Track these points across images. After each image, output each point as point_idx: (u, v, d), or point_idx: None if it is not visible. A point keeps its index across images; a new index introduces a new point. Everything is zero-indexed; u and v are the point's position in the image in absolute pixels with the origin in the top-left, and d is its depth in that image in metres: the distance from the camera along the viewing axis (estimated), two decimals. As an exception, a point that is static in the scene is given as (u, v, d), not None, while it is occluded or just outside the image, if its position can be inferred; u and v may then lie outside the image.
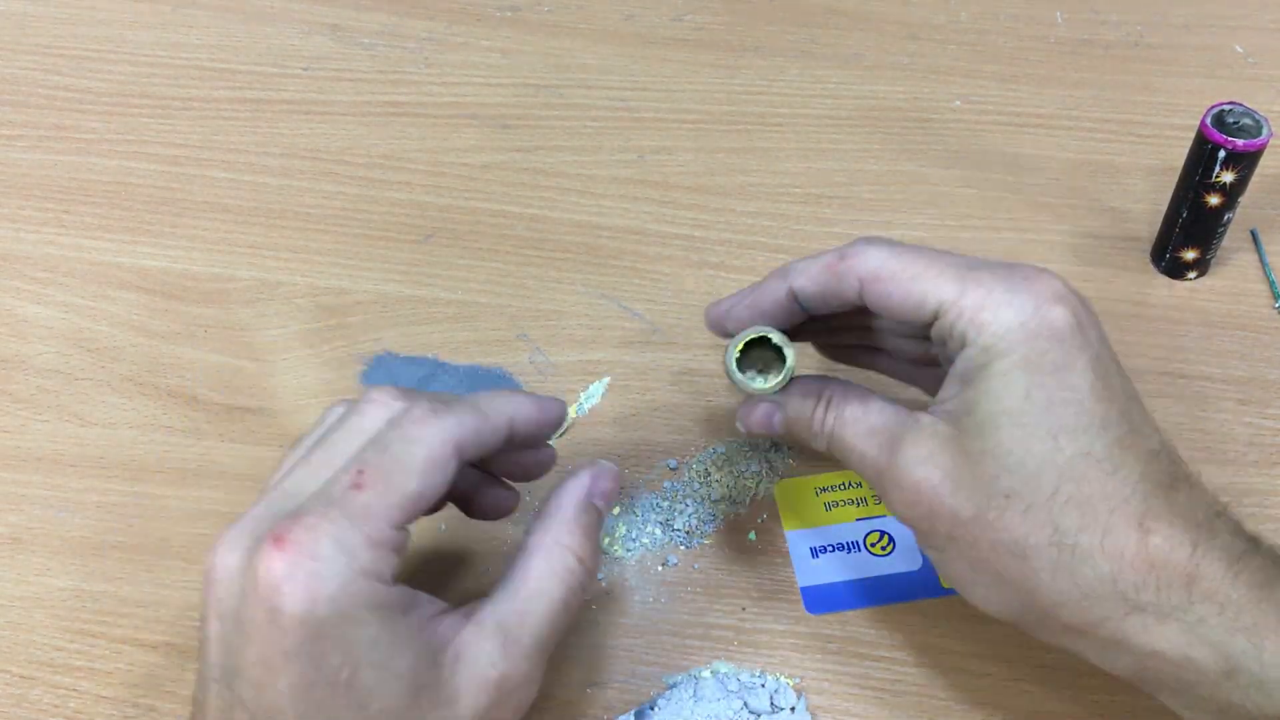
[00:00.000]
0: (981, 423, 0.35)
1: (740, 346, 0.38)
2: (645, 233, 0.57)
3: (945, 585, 0.43)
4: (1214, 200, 0.51)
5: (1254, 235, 0.56)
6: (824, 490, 0.47)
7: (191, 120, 0.62)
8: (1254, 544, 0.34)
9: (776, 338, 0.38)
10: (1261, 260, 0.55)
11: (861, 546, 0.45)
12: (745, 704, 0.40)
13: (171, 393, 0.50)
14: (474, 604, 0.35)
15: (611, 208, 0.58)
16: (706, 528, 0.46)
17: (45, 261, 0.55)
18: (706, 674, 0.41)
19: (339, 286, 0.54)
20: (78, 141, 0.61)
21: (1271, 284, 0.54)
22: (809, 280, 0.39)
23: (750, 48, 0.67)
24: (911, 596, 0.44)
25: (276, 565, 0.31)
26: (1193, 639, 0.33)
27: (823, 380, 0.40)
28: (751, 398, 0.41)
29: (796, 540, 0.45)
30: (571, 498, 0.38)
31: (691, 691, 0.41)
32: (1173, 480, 0.35)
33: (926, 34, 0.67)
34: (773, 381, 0.39)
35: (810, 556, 0.45)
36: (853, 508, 0.46)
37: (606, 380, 0.51)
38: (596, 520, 0.38)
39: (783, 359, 0.38)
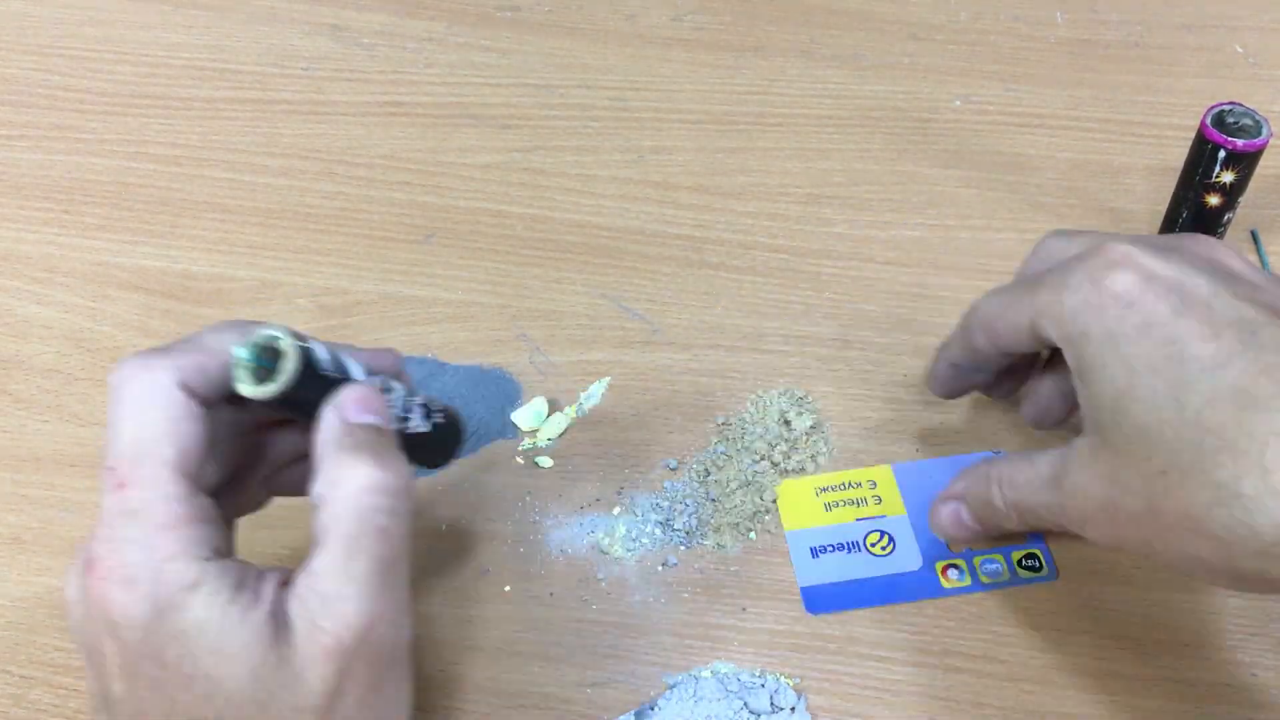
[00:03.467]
0: (1110, 412, 0.34)
1: (246, 358, 0.34)
2: (645, 233, 0.57)
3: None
4: (1214, 200, 0.51)
5: (1254, 235, 0.56)
6: (824, 490, 0.47)
7: (191, 120, 0.62)
8: None
9: (283, 341, 0.34)
10: (1261, 260, 0.55)
11: (862, 546, 0.45)
12: (745, 704, 0.40)
13: (171, 393, 0.50)
14: (300, 568, 0.34)
15: (611, 208, 0.58)
16: (706, 528, 0.46)
17: (45, 261, 0.55)
18: (706, 674, 0.41)
19: (339, 286, 0.54)
20: (78, 141, 0.61)
21: (1271, 284, 0.54)
22: (955, 352, 0.42)
23: (750, 48, 0.67)
24: (911, 597, 0.44)
25: (96, 588, 0.32)
26: None
27: (985, 463, 0.41)
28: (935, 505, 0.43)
29: (796, 540, 0.45)
30: (325, 438, 0.34)
31: (691, 691, 0.41)
32: None
33: (926, 34, 0.67)
34: (270, 387, 0.33)
35: (810, 556, 0.45)
36: (852, 508, 0.46)
37: (606, 380, 0.51)
38: (369, 435, 0.34)
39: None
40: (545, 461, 0.48)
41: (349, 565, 0.33)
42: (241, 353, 0.34)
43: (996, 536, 0.43)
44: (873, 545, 0.45)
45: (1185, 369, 0.33)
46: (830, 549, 0.45)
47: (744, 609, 0.44)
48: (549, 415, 0.49)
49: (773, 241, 0.56)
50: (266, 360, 0.34)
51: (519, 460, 0.48)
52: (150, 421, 0.33)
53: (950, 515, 0.42)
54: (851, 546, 0.45)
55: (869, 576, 0.44)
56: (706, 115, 0.63)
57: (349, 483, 0.33)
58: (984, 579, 0.44)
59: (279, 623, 0.32)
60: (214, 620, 0.32)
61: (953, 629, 0.43)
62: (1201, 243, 0.37)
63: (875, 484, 0.47)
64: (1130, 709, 0.41)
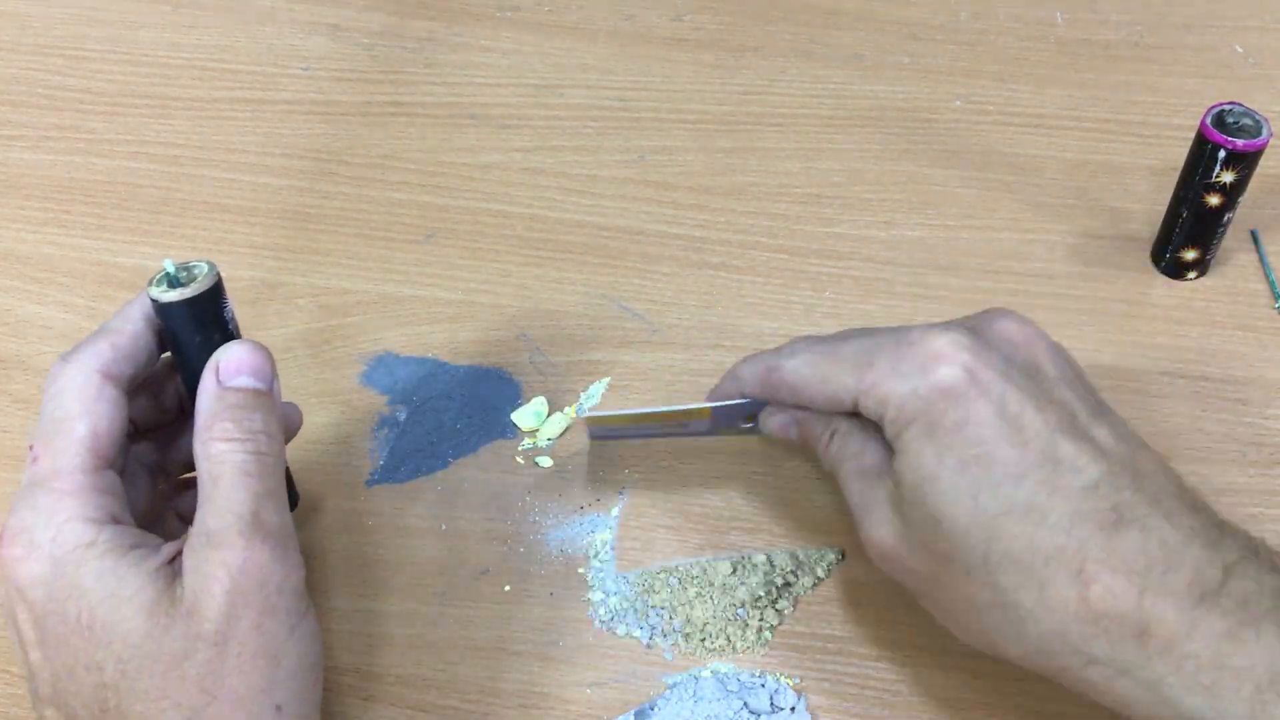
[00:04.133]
0: (911, 492, 0.35)
1: (171, 272, 0.37)
2: (645, 233, 0.57)
3: None
4: (1214, 200, 0.51)
5: (1254, 235, 0.56)
6: (633, 414, 0.46)
7: (191, 120, 0.62)
8: (1227, 573, 0.32)
9: (203, 265, 0.38)
10: (1261, 260, 0.55)
11: (657, 429, 0.47)
12: (745, 704, 0.40)
13: (171, 393, 0.50)
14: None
15: (612, 208, 0.58)
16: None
17: (45, 261, 0.55)
18: (706, 674, 0.41)
19: (339, 286, 0.54)
20: (78, 141, 0.61)
21: (1271, 284, 0.54)
22: (753, 388, 0.42)
23: (750, 48, 0.67)
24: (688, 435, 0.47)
25: (3, 556, 0.35)
26: (1154, 698, 0.32)
27: (828, 417, 0.41)
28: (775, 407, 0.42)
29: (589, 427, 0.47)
30: (202, 400, 0.37)
31: (691, 691, 0.41)
32: (1118, 517, 0.33)
33: (926, 34, 0.67)
34: (177, 293, 0.37)
35: (602, 434, 0.48)
36: (658, 425, 0.47)
37: (606, 380, 0.51)
38: (242, 397, 0.36)
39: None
40: (545, 461, 0.48)
41: (224, 509, 0.35)
42: (169, 265, 0.37)
43: None
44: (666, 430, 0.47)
45: (990, 473, 0.34)
46: (620, 434, 0.47)
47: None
48: (549, 415, 0.49)
49: (773, 241, 0.56)
50: (186, 282, 0.37)
51: (519, 460, 0.48)
52: (66, 404, 0.36)
53: (780, 426, 0.42)
54: (646, 431, 0.47)
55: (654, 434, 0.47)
56: (706, 115, 0.63)
57: (216, 441, 0.36)
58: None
59: (174, 572, 0.35)
60: (108, 570, 0.34)
61: (953, 629, 0.43)
62: (1014, 328, 0.38)
63: (689, 414, 0.45)
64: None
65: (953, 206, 0.58)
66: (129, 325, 0.38)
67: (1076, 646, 0.33)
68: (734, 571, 0.44)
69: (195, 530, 0.35)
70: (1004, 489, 0.34)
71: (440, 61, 0.66)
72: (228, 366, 0.37)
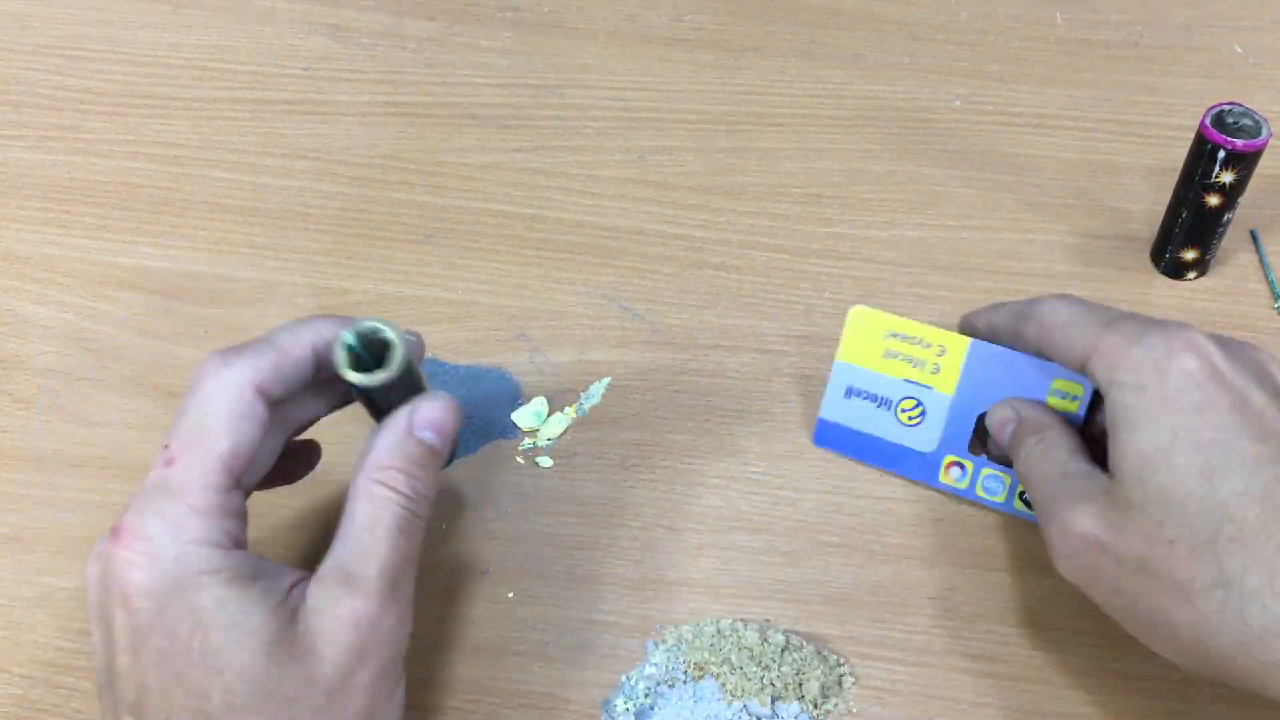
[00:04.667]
0: (1136, 468, 0.35)
1: (348, 346, 0.36)
2: (645, 233, 0.57)
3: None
4: (1214, 200, 0.51)
5: (1254, 235, 0.56)
6: (893, 335, 0.45)
7: (191, 120, 0.62)
8: None
9: (389, 332, 0.36)
10: (1261, 260, 0.55)
11: (893, 407, 0.45)
12: (745, 705, 0.40)
13: (171, 393, 0.50)
14: (326, 557, 0.36)
15: (611, 208, 0.58)
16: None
17: (45, 261, 0.55)
18: (706, 674, 0.42)
19: (339, 286, 0.54)
20: (78, 141, 0.61)
21: (1271, 284, 0.54)
22: (1005, 326, 0.43)
23: (750, 48, 0.67)
24: (910, 474, 0.46)
25: (117, 555, 0.33)
26: None
27: (1050, 419, 0.42)
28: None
29: (841, 372, 0.46)
30: (386, 436, 0.37)
31: (692, 692, 0.41)
32: None
33: (926, 34, 0.67)
34: (380, 375, 0.36)
35: (843, 395, 0.46)
36: (907, 366, 0.45)
37: (606, 380, 0.51)
38: (422, 451, 0.37)
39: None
40: (545, 461, 0.48)
41: (372, 557, 0.35)
42: (348, 338, 0.36)
43: None
44: (903, 411, 0.45)
45: (1227, 458, 0.34)
46: (865, 395, 0.46)
47: (744, 607, 0.43)
48: (549, 415, 0.49)
49: (773, 241, 0.56)
50: (366, 350, 0.36)
51: (519, 460, 0.48)
52: (213, 413, 0.35)
53: (1001, 422, 0.43)
54: (884, 403, 0.45)
55: (883, 438, 0.46)
56: (706, 115, 0.63)
57: (384, 486, 0.35)
58: (980, 492, 0.45)
59: (295, 607, 0.34)
60: (231, 599, 0.33)
61: (953, 628, 0.43)
62: (1261, 353, 0.38)
63: (944, 350, 0.45)
64: (1130, 709, 0.41)
65: (953, 206, 0.58)
66: (296, 349, 0.36)
67: None
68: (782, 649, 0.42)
69: (330, 565, 0.34)
70: (1242, 474, 0.34)
71: (440, 61, 0.66)
72: (423, 419, 0.37)
